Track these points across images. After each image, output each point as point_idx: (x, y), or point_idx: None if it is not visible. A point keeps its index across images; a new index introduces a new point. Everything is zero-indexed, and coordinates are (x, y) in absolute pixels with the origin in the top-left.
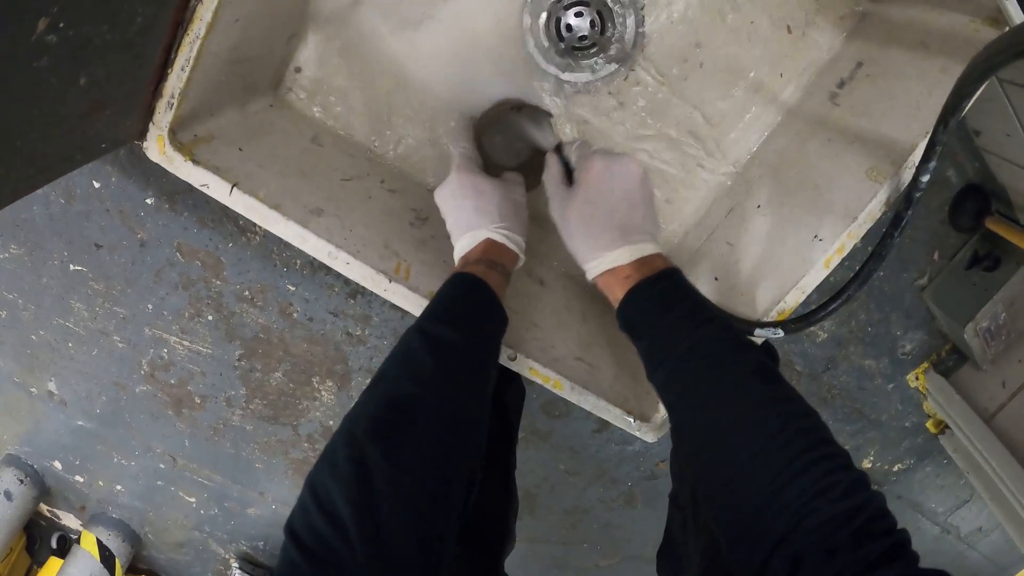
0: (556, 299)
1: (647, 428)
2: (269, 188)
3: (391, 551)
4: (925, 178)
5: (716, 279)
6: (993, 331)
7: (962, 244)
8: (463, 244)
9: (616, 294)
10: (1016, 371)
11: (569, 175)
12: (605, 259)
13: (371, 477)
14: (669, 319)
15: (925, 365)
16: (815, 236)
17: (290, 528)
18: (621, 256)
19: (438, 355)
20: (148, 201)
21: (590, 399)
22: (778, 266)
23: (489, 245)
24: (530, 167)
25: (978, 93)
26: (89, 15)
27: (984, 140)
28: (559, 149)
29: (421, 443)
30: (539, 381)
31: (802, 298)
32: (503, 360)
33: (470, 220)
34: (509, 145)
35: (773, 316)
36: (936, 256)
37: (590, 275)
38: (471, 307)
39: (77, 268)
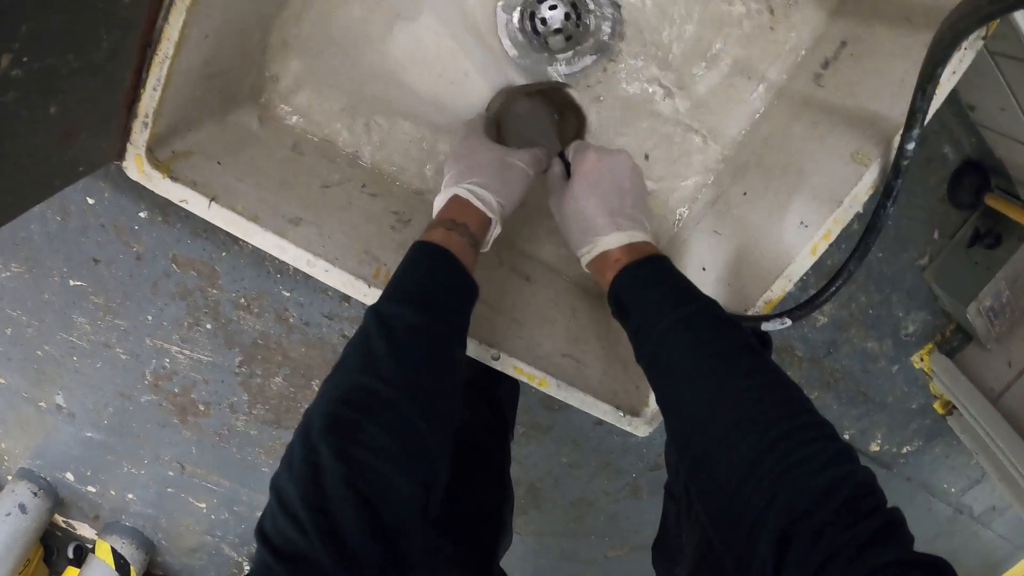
0: (543, 295)
1: (638, 422)
2: (247, 200)
3: (351, 551)
4: (910, 146)
5: (704, 269)
6: (997, 310)
7: (962, 222)
8: (436, 204)
9: (607, 277)
10: (1022, 349)
11: (567, 170)
12: (597, 244)
13: (323, 478)
14: (656, 297)
15: (929, 346)
16: (801, 222)
17: (260, 531)
18: (612, 241)
19: (393, 340)
20: (141, 215)
21: (577, 395)
22: (764, 254)
23: (452, 203)
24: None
25: (954, 59)
26: (52, 47)
27: (979, 115)
28: (562, 154)
29: (374, 439)
30: (524, 380)
31: (789, 287)
32: (487, 360)
33: (450, 179)
34: (526, 133)
35: (760, 306)
36: (936, 235)
37: (584, 261)
38: (429, 280)
39: (77, 283)
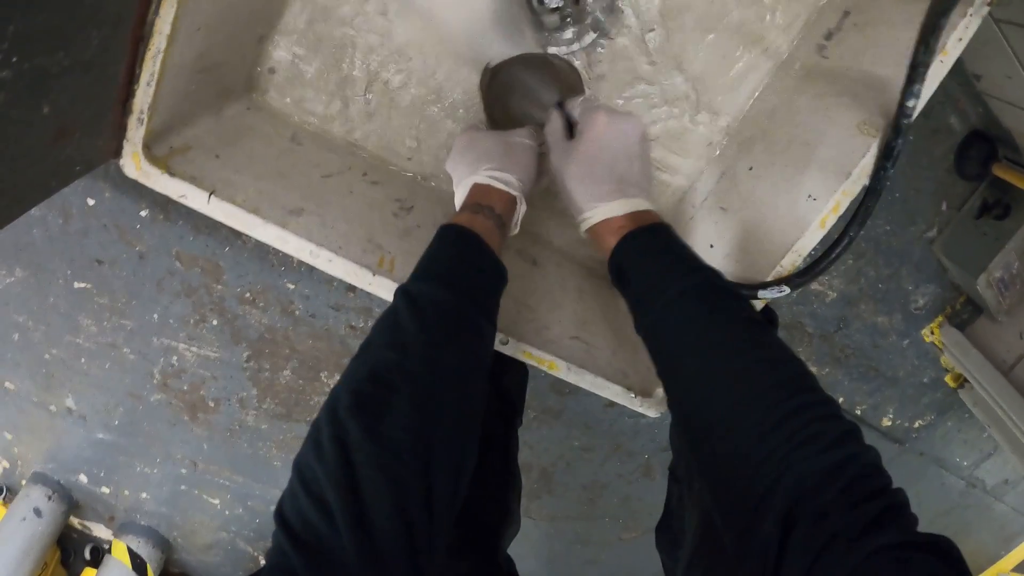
0: (550, 278)
1: (649, 403)
2: (247, 193)
3: (376, 534)
4: (911, 103)
5: (711, 246)
6: (1007, 281)
7: (970, 193)
8: (457, 199)
9: (608, 243)
10: None
11: (570, 129)
12: (600, 209)
13: (353, 458)
14: (659, 266)
15: (940, 319)
16: (808, 196)
17: (280, 514)
18: (616, 208)
19: (421, 317)
20: (143, 213)
21: (588, 378)
22: (772, 229)
23: (475, 190)
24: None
25: (959, 26)
26: (41, 46)
27: (985, 84)
28: (561, 104)
29: (404, 416)
30: (534, 364)
31: (799, 261)
32: (496, 346)
33: (462, 174)
34: (519, 108)
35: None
36: (944, 207)
37: (584, 226)
38: (456, 259)
39: (81, 285)
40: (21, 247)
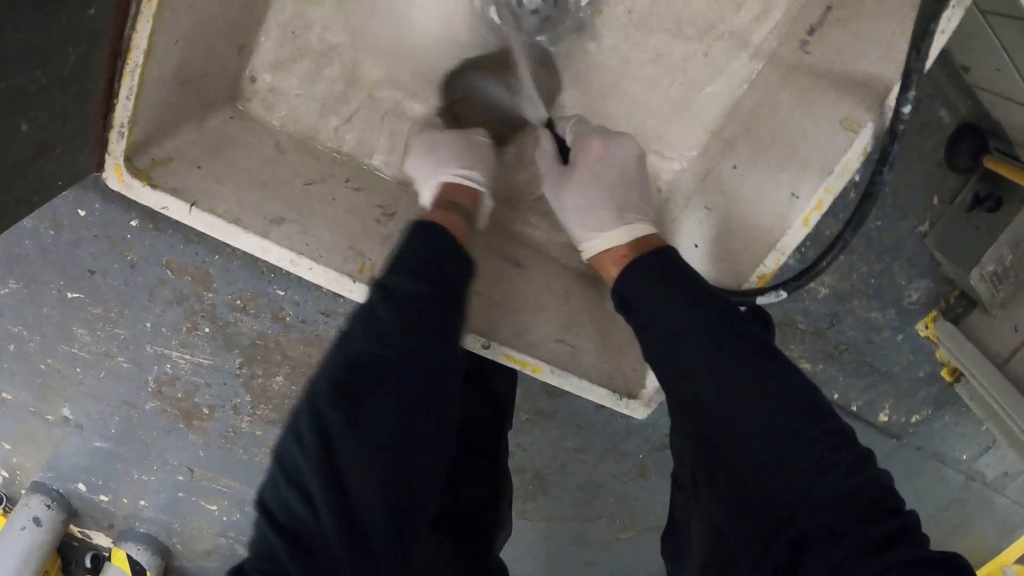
0: (535, 281)
1: (636, 404)
2: (228, 203)
3: (360, 522)
4: (906, 109)
5: (696, 246)
6: (1000, 274)
7: (961, 186)
8: (423, 200)
9: (611, 272)
10: None
11: (562, 151)
12: (602, 239)
13: (335, 447)
14: (665, 295)
15: (934, 313)
16: (792, 194)
17: (262, 504)
18: (618, 236)
19: (396, 308)
20: (133, 223)
21: (572, 380)
22: (756, 228)
23: (443, 188)
24: (502, 124)
25: (946, 16)
26: (17, 66)
27: (974, 76)
28: (551, 124)
29: (384, 404)
30: (516, 367)
31: (782, 260)
32: (478, 349)
33: (427, 174)
34: (479, 107)
35: (754, 280)
36: (935, 200)
37: (586, 255)
38: (430, 254)
39: (74, 295)
40: (14, 259)
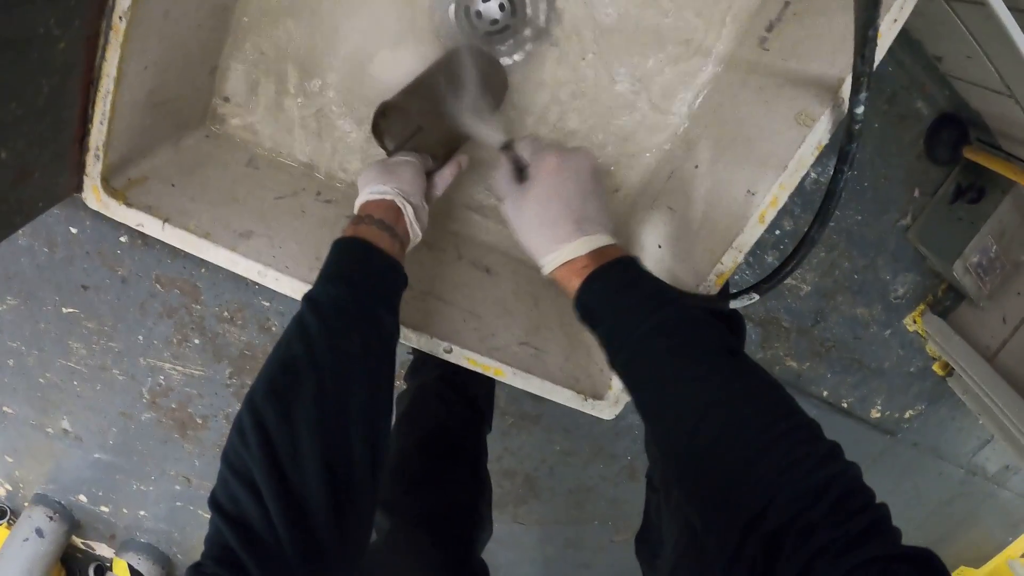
0: (504, 287)
1: (601, 405)
2: (200, 218)
3: (300, 506)
4: (859, 110)
5: (659, 247)
6: (986, 265)
7: (943, 178)
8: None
9: (573, 284)
10: (1015, 305)
11: (519, 171)
12: (562, 251)
13: (273, 439)
14: (628, 302)
15: (921, 307)
16: (748, 191)
17: (214, 501)
18: (578, 248)
19: (321, 312)
20: (122, 239)
21: (534, 382)
22: (715, 227)
23: (360, 207)
24: (457, 139)
25: (889, 18)
26: None
27: (948, 65)
28: (508, 147)
29: (311, 400)
30: (479, 370)
31: (739, 258)
32: (440, 353)
33: (356, 204)
34: (433, 138)
35: (712, 279)
36: (916, 193)
37: (546, 269)
38: (345, 261)
39: (69, 310)
40: (11, 276)
